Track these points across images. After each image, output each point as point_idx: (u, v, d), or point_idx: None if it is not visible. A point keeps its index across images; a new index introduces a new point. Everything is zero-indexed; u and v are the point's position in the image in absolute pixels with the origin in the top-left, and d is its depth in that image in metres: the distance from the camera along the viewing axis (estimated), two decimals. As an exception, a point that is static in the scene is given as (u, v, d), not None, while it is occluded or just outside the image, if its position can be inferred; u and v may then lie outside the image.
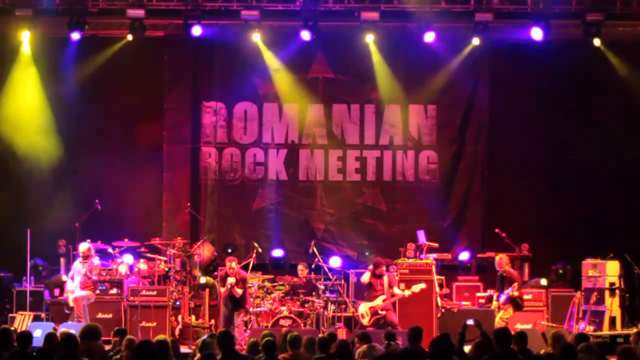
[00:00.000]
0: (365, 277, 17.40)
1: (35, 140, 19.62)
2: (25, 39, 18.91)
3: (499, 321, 16.28)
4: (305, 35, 18.63)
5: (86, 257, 17.18)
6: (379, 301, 17.08)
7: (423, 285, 17.12)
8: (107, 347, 11.60)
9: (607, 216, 19.70)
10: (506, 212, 19.99)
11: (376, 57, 20.04)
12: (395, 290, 17.21)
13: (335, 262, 18.93)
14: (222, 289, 16.97)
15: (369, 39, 19.22)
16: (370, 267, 17.54)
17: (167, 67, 20.61)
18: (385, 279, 17.21)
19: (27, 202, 19.81)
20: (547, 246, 19.65)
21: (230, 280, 16.80)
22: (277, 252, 20.06)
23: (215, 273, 18.19)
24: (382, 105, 20.69)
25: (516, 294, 16.58)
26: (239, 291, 16.84)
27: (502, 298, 16.70)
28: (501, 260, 17.01)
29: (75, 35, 18.56)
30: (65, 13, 18.64)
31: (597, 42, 18.63)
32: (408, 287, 17.29)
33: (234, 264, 16.99)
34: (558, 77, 19.85)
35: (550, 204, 19.94)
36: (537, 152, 20.34)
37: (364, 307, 17.16)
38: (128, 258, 18.54)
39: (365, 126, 20.78)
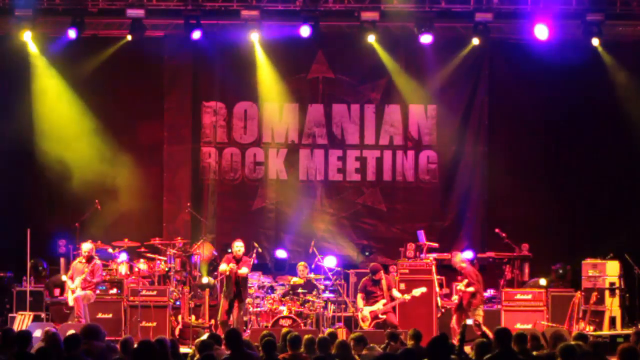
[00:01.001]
0: (359, 302, 17.30)
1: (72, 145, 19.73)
2: (28, 39, 18.90)
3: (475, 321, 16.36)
4: (305, 31, 18.59)
5: (89, 257, 17.20)
6: (379, 305, 17.06)
7: (423, 289, 17.07)
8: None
9: (607, 216, 19.69)
10: (506, 212, 19.98)
11: (384, 56, 20.03)
12: (395, 292, 17.17)
13: (330, 261, 18.87)
14: (226, 268, 16.75)
15: (371, 38, 19.21)
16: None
17: (167, 67, 20.61)
18: (384, 282, 17.19)
19: (28, 202, 19.83)
20: (547, 246, 19.64)
21: (231, 266, 16.70)
22: (281, 254, 19.96)
23: (216, 273, 18.19)
24: (382, 105, 20.70)
25: (470, 289, 16.69)
26: (245, 270, 16.75)
27: (454, 298, 16.91)
28: (455, 257, 17.27)
29: (72, 33, 18.53)
30: (66, 13, 18.65)
31: (595, 42, 18.64)
32: (408, 287, 17.27)
33: (239, 244, 16.93)
34: (558, 77, 19.82)
35: (550, 204, 19.93)
36: (537, 152, 20.35)
37: (364, 312, 17.13)
38: (123, 256, 18.53)
39: (365, 126, 20.77)
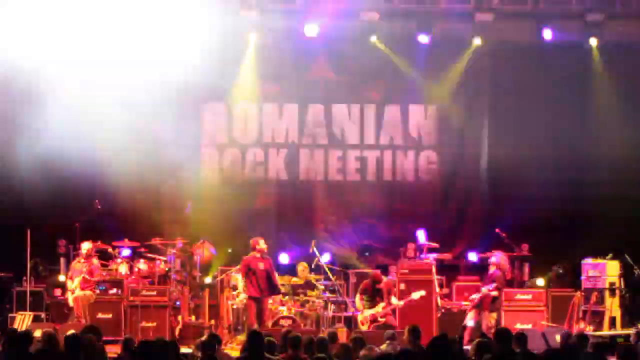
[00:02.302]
0: (358, 304, 17.33)
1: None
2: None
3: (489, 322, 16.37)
4: (312, 30, 18.58)
5: (88, 256, 17.21)
6: (378, 308, 17.04)
7: (422, 293, 17.03)
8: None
9: (607, 216, 19.67)
10: (506, 212, 19.96)
11: (384, 56, 20.02)
12: (393, 300, 17.13)
13: (323, 258, 18.78)
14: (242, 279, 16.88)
15: (372, 38, 19.22)
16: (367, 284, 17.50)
17: (167, 67, 20.60)
18: (384, 287, 17.17)
19: (28, 202, 19.82)
20: (547, 246, 19.63)
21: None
22: (284, 259, 19.83)
23: (216, 273, 18.15)
24: (382, 105, 20.70)
25: (494, 294, 16.71)
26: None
27: (475, 296, 16.90)
28: (495, 258, 17.20)
29: None
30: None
31: (594, 42, 18.67)
32: (408, 287, 17.24)
33: (262, 243, 16.96)
34: (558, 76, 19.83)
35: (550, 204, 19.91)
36: (537, 152, 20.32)
37: (363, 315, 17.11)
38: (125, 252, 18.53)
39: (365, 126, 20.78)
